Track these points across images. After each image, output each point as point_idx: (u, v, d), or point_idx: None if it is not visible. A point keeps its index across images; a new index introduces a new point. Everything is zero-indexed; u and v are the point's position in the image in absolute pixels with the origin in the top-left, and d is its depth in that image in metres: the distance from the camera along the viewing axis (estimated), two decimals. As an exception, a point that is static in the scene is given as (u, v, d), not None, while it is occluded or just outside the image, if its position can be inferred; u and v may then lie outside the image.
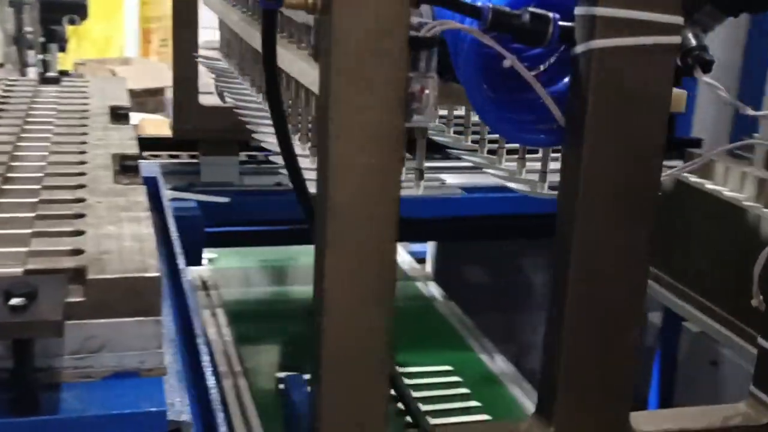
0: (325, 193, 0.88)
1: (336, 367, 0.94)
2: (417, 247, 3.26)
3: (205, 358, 1.17)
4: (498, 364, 2.26)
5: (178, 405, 1.16)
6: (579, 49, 0.93)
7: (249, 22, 1.81)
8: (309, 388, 1.26)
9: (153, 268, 0.89)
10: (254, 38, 1.72)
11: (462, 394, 2.07)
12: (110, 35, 10.03)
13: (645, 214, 0.98)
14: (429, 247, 3.26)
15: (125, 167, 1.27)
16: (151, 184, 1.99)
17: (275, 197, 2.67)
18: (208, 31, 2.58)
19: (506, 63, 0.96)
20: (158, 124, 5.53)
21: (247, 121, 1.71)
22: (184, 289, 1.43)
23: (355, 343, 0.93)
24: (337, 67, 0.84)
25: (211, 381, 1.11)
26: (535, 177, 1.34)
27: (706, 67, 0.99)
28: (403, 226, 2.93)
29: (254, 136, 1.63)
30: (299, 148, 1.48)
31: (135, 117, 5.89)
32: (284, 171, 1.04)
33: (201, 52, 2.52)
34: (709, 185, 1.95)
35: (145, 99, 7.71)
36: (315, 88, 1.13)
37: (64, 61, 7.88)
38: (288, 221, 2.76)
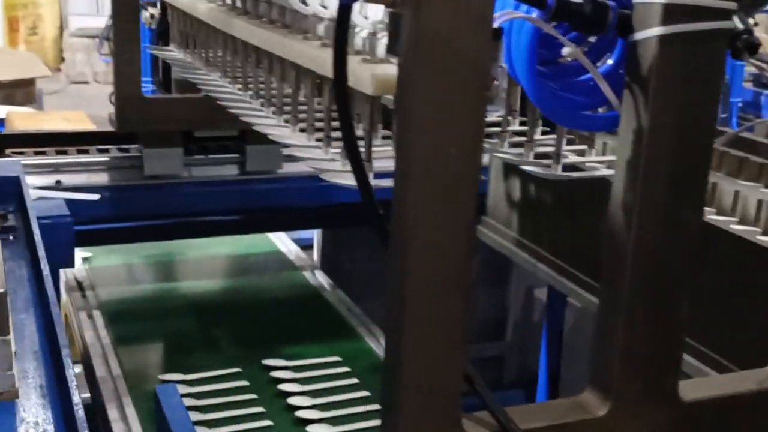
0: (406, 188, 0.89)
1: (415, 361, 0.94)
2: (304, 234, 3.22)
3: (70, 372, 1.09)
4: (387, 351, 2.24)
5: (41, 423, 1.09)
6: (639, 36, 0.96)
7: (224, 13, 1.78)
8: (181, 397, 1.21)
9: (-3, 283, 0.81)
10: (233, 29, 1.72)
11: (351, 385, 2.04)
12: (-27, 24, 9.55)
13: (699, 191, 1.04)
14: (315, 235, 3.22)
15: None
16: (14, 184, 1.88)
17: (151, 192, 2.58)
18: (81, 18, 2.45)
19: (565, 51, 1.00)
20: (27, 117, 5.28)
21: (237, 113, 1.69)
22: (48, 297, 1.35)
23: (433, 337, 0.94)
24: (425, 60, 0.85)
25: (76, 398, 1.04)
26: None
27: (753, 50, 1.02)
28: (288, 214, 2.86)
29: (254, 127, 1.62)
30: (305, 138, 1.48)
31: (1, 110, 5.62)
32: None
33: (72, 40, 2.47)
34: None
35: (14, 91, 7.37)
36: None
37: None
38: (167, 215, 2.69)
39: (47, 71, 7.97)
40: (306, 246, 3.06)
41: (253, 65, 1.71)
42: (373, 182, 1.27)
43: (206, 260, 2.87)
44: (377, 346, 2.27)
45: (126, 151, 2.60)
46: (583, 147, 1.48)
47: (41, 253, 1.48)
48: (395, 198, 0.93)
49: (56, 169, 2.39)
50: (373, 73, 1.15)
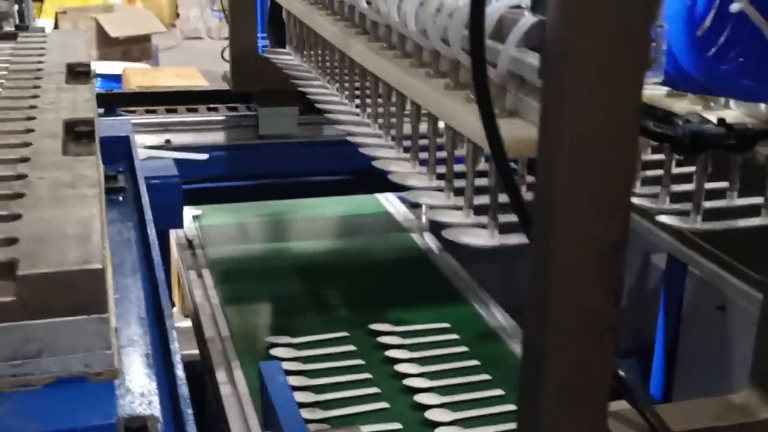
0: (552, 165, 0.80)
1: (561, 356, 0.87)
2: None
3: (174, 345, 1.06)
4: (497, 318, 2.17)
5: (147, 394, 1.06)
6: None
7: (342, 31, 1.67)
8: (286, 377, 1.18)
9: (95, 258, 0.78)
10: (350, 50, 1.60)
11: (460, 353, 1.98)
12: (93, -18, 9.79)
13: None
14: (424, 196, 3.15)
15: (78, 134, 1.14)
16: (124, 144, 1.87)
17: (259, 151, 2.57)
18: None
19: (734, 8, 0.88)
20: (142, 73, 5.38)
21: (346, 131, 1.58)
22: (153, 263, 1.33)
23: (580, 330, 0.85)
24: (574, 17, 0.76)
25: (180, 373, 1.01)
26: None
27: None
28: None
29: (361, 150, 1.47)
30: (426, 179, 1.30)
31: (118, 66, 5.75)
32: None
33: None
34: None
35: (131, 47, 7.54)
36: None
37: (49, 10, 7.65)
38: (277, 174, 2.67)
39: (162, 27, 8.11)
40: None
41: (372, 90, 1.56)
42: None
43: (315, 220, 2.84)
44: (485, 311, 2.20)
45: (235, 110, 2.58)
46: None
47: (148, 216, 1.46)
48: (539, 176, 0.83)
49: (166, 128, 2.39)
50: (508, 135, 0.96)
